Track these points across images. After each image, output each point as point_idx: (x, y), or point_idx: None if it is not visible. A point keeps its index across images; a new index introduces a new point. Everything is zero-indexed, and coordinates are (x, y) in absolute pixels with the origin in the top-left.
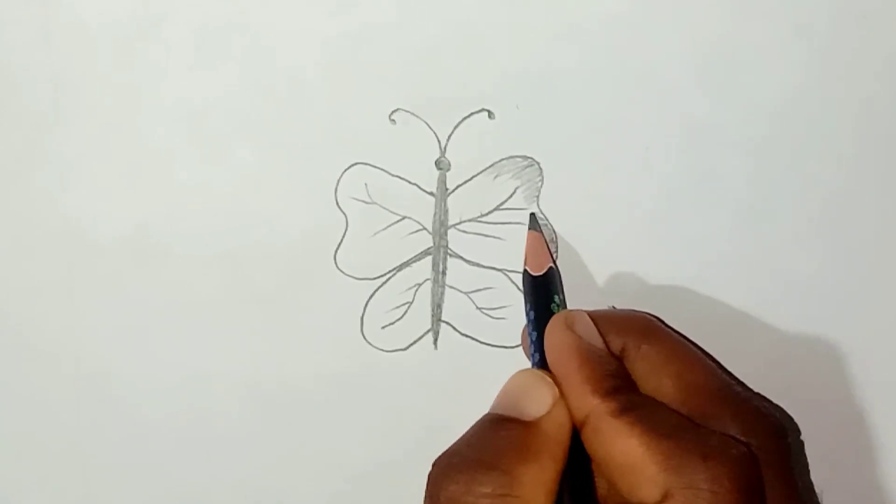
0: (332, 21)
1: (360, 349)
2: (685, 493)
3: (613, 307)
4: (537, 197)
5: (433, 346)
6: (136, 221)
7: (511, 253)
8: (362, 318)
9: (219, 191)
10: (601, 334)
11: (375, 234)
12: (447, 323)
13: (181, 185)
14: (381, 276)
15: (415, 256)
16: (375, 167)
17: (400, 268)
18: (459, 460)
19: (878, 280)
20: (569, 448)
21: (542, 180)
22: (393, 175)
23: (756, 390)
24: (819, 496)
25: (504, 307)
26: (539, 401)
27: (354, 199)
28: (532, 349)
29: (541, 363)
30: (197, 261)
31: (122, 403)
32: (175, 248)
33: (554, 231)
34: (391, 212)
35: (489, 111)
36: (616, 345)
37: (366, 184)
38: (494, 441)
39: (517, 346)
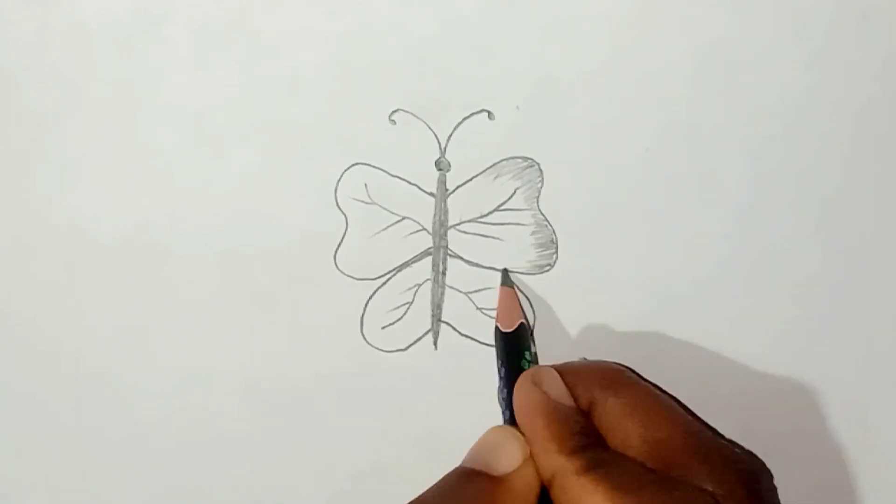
0: (332, 21)
1: (360, 349)
2: None
3: (584, 359)
4: (537, 198)
5: (433, 346)
6: (136, 221)
7: (511, 253)
8: (362, 319)
9: (219, 191)
10: (570, 388)
11: (375, 234)
12: (447, 323)
13: (181, 185)
14: (381, 276)
15: (415, 257)
16: (375, 167)
17: (400, 268)
18: None
19: (878, 280)
20: None
21: (541, 181)
22: (393, 175)
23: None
24: None
25: None
26: (509, 457)
27: (354, 199)
28: (503, 406)
29: (511, 420)
30: (197, 261)
31: (122, 403)
32: (175, 249)
33: (554, 232)
34: (391, 212)
35: (489, 112)
36: (584, 398)
37: (366, 184)
38: (462, 494)
39: None
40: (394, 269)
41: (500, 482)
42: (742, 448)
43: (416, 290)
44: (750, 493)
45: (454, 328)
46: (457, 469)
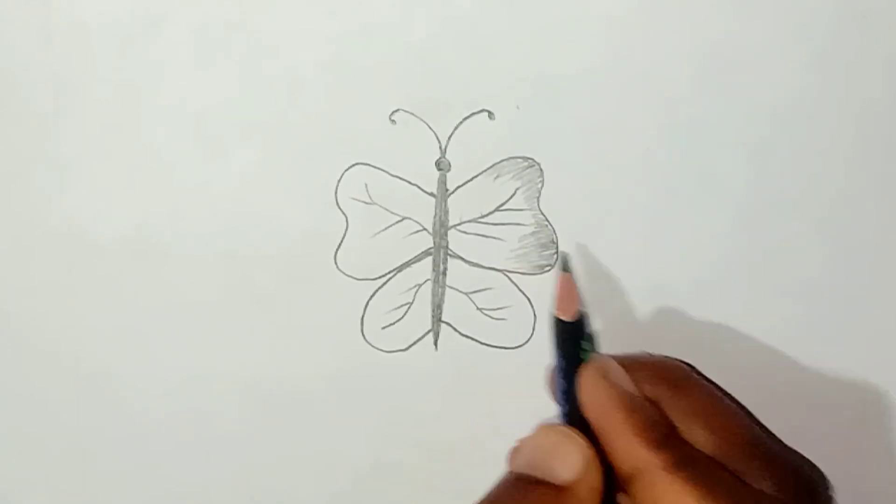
0: (332, 21)
1: (360, 349)
2: None
3: (649, 353)
4: (537, 198)
5: (433, 346)
6: (136, 221)
7: (511, 253)
8: (362, 319)
9: (219, 191)
10: (634, 382)
11: (376, 234)
12: (447, 323)
13: (181, 185)
14: (382, 276)
15: (415, 257)
16: (376, 167)
17: (400, 268)
18: None
19: (878, 280)
20: None
21: (542, 181)
22: (393, 175)
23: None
24: None
25: (504, 308)
26: (571, 462)
27: (355, 199)
28: (560, 400)
29: (569, 416)
30: (197, 261)
31: (122, 403)
32: (175, 249)
33: (554, 232)
34: (391, 212)
35: (489, 112)
36: (649, 394)
37: (366, 184)
38: None
39: (517, 346)
40: (394, 270)
41: (564, 492)
42: (802, 457)
43: (417, 291)
44: (812, 500)
45: (454, 328)
46: (511, 476)
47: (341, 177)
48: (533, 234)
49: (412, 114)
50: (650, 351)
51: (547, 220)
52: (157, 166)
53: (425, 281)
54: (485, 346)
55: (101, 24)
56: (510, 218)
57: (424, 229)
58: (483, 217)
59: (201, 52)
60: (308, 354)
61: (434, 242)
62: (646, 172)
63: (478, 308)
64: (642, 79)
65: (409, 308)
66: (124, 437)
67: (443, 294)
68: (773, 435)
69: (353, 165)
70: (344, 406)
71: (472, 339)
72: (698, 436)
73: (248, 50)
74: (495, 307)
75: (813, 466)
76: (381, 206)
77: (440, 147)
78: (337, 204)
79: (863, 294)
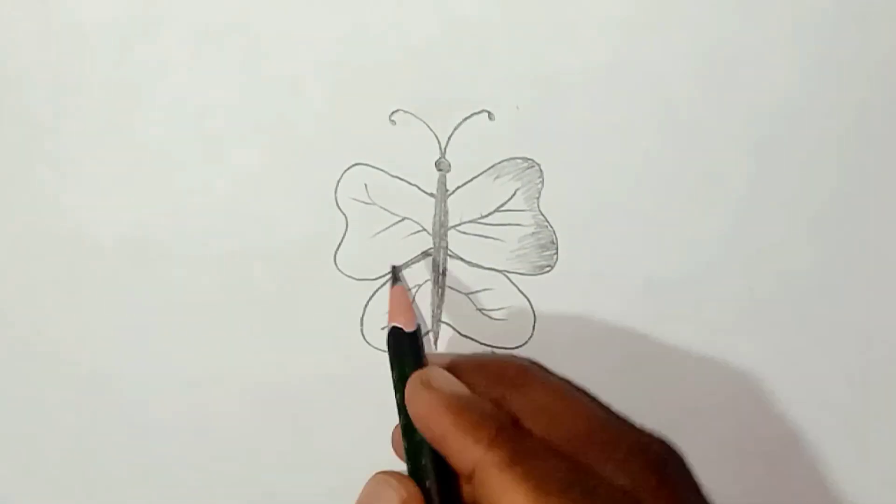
0: (332, 21)
1: (360, 349)
2: None
3: (492, 354)
4: (537, 198)
5: (433, 346)
6: (136, 222)
7: (511, 254)
8: (362, 319)
9: (219, 191)
10: (471, 386)
11: (375, 234)
12: (447, 324)
13: (181, 185)
14: (382, 276)
15: (415, 257)
16: (375, 168)
17: (400, 268)
18: None
19: (877, 279)
20: None
21: (542, 182)
22: (393, 176)
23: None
24: None
25: (504, 308)
26: None
27: (354, 199)
28: (400, 412)
29: (406, 426)
30: (197, 261)
31: (123, 404)
32: (175, 249)
33: (554, 232)
34: (391, 213)
35: (489, 112)
36: (492, 394)
37: (366, 184)
38: None
39: (517, 346)
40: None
41: None
42: (650, 435)
43: (417, 291)
44: (660, 480)
45: (454, 328)
46: None
47: (341, 177)
48: (533, 234)
49: (412, 114)
50: (652, 350)
51: (547, 220)
52: (156, 166)
53: (425, 281)
54: (485, 347)
55: (100, 25)
56: (510, 218)
57: (424, 230)
58: (483, 217)
59: (201, 52)
60: (308, 354)
61: (434, 243)
62: (646, 172)
63: (478, 308)
64: (642, 79)
65: None
66: (124, 437)
67: (443, 294)
68: (623, 419)
69: (353, 166)
70: (344, 406)
71: (472, 339)
72: (542, 429)
73: (248, 50)
74: (495, 307)
75: (662, 443)
76: (380, 207)
77: (440, 147)
78: (337, 204)
79: (862, 294)
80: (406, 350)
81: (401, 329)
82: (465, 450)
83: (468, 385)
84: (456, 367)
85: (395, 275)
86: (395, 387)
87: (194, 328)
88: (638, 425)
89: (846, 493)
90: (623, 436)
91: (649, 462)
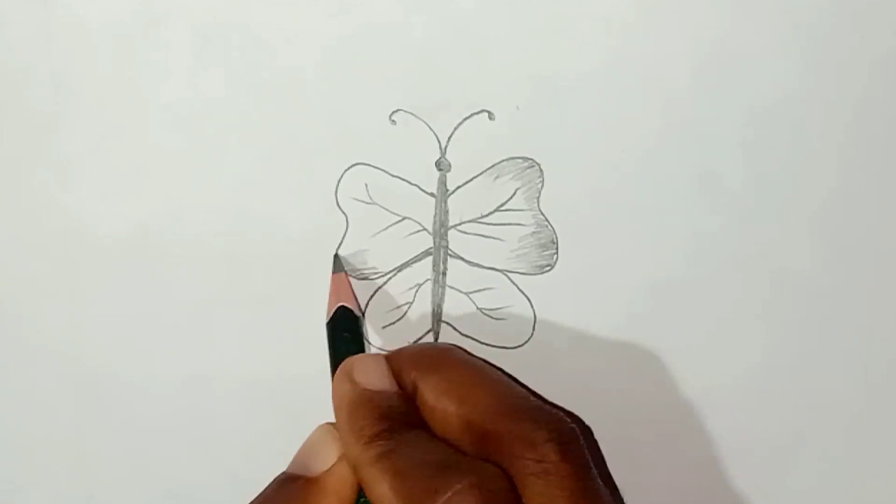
0: (332, 21)
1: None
2: None
3: (415, 342)
4: (537, 198)
5: None
6: (137, 221)
7: (511, 253)
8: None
9: (219, 191)
10: (396, 373)
11: (376, 234)
12: (447, 323)
13: (181, 184)
14: (383, 275)
15: (415, 257)
16: (375, 167)
17: (400, 268)
18: None
19: (877, 279)
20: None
21: (542, 181)
22: (393, 175)
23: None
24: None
25: (504, 308)
26: (323, 456)
27: (355, 199)
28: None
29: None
30: (197, 260)
31: (123, 403)
32: (175, 248)
33: (554, 232)
34: (391, 212)
35: (489, 112)
36: (408, 382)
37: (366, 184)
38: (278, 500)
39: (517, 346)
40: (394, 270)
41: (313, 483)
42: (561, 410)
43: (417, 291)
44: (564, 453)
45: (454, 328)
46: (280, 476)
47: (341, 177)
48: (533, 234)
49: (412, 114)
50: (652, 350)
51: (547, 220)
52: (157, 166)
53: (425, 281)
54: (485, 346)
55: (101, 24)
56: (510, 218)
57: (424, 229)
58: (483, 217)
59: (201, 52)
60: (308, 354)
61: (434, 242)
62: (646, 172)
63: (478, 308)
64: (642, 79)
65: (409, 308)
66: (124, 437)
67: (443, 294)
68: (536, 397)
69: (353, 165)
70: None
71: (472, 338)
72: (451, 413)
73: (248, 50)
74: (495, 307)
75: (570, 420)
76: (381, 206)
77: (440, 147)
78: (337, 204)
79: (862, 294)
80: (349, 335)
81: (351, 311)
82: (348, 447)
83: (395, 371)
84: (391, 356)
85: (337, 263)
86: (331, 368)
87: (195, 327)
88: (550, 404)
89: (846, 493)
90: (531, 411)
91: (553, 434)
